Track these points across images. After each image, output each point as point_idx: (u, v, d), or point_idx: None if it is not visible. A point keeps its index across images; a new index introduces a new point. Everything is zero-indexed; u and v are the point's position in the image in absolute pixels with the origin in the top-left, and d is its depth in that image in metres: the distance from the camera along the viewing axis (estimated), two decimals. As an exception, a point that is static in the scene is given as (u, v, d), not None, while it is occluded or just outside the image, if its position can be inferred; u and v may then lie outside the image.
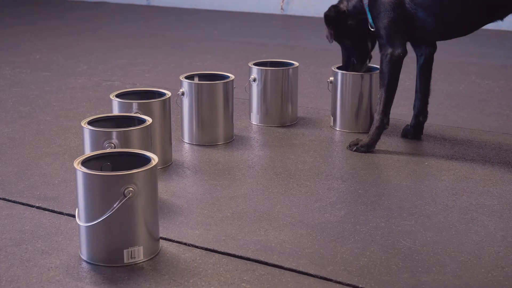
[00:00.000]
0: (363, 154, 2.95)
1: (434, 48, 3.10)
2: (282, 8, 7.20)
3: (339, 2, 3.14)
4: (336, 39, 3.18)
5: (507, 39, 5.70)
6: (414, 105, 3.15)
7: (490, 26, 3.17)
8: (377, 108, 2.97)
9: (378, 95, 2.99)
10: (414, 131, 3.17)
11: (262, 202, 2.46)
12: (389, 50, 2.91)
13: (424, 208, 2.41)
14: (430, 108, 3.27)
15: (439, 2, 2.83)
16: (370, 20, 2.99)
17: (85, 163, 2.05)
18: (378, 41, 3.00)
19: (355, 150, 2.97)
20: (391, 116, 3.49)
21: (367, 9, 2.97)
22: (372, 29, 3.01)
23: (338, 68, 3.31)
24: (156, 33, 6.07)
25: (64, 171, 2.75)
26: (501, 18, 2.84)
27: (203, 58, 4.89)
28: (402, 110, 3.62)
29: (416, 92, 3.15)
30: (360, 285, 1.90)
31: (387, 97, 2.96)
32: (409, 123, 3.21)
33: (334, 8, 3.11)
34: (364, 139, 2.99)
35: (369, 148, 2.97)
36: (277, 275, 1.96)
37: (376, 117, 2.97)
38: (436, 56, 3.14)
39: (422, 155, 2.94)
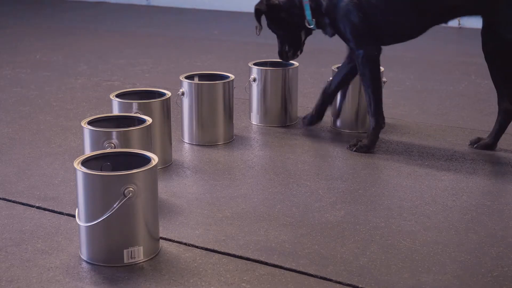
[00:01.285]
0: (363, 154, 2.96)
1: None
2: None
3: None
4: (270, 28, 3.16)
5: (507, 39, 5.69)
6: (325, 89, 3.23)
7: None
8: (369, 110, 2.98)
9: (366, 98, 2.98)
10: (317, 115, 3.26)
11: (262, 202, 2.46)
12: (362, 52, 2.90)
13: (424, 208, 2.41)
14: (430, 108, 3.28)
15: (393, 7, 2.85)
16: (308, 17, 2.99)
17: (85, 163, 2.05)
18: (348, 45, 2.99)
19: (355, 151, 2.97)
20: (390, 116, 3.49)
21: (306, 6, 2.97)
22: (309, 27, 3.02)
23: (337, 68, 3.31)
24: (156, 33, 6.07)
25: (64, 171, 2.75)
26: (446, 22, 2.93)
27: (203, 58, 4.89)
28: (402, 110, 3.62)
29: (333, 82, 3.19)
30: (360, 285, 1.90)
31: (375, 98, 2.96)
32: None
33: (266, 1, 3.08)
34: (364, 140, 2.99)
35: (369, 149, 2.97)
36: (277, 275, 1.96)
37: (371, 118, 2.98)
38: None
39: (422, 155, 2.94)
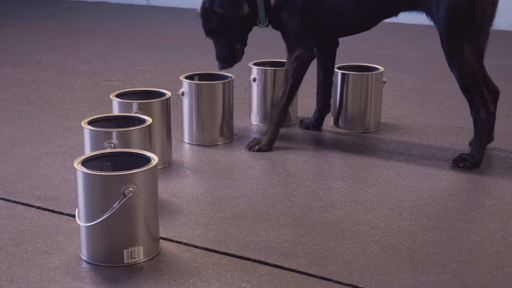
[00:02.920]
0: (363, 154, 2.95)
1: (337, 44, 3.21)
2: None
3: None
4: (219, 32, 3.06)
5: (507, 39, 5.71)
6: (318, 100, 3.25)
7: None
8: (277, 105, 3.00)
9: (281, 92, 3.00)
10: (317, 124, 3.29)
11: (262, 202, 2.46)
12: (299, 52, 2.94)
13: (424, 208, 2.41)
14: (430, 108, 3.28)
15: (343, 1, 2.92)
16: (261, 15, 2.98)
17: (85, 163, 2.05)
18: (286, 42, 3.00)
19: (257, 150, 2.97)
20: (390, 116, 3.49)
21: (260, 6, 2.96)
22: (261, 25, 3.02)
23: (337, 68, 3.31)
24: (156, 33, 6.07)
25: (64, 171, 2.75)
26: (396, 14, 2.97)
27: (203, 58, 4.89)
28: (402, 110, 3.62)
29: (318, 86, 3.25)
30: (360, 285, 1.90)
31: (290, 96, 3.00)
32: (309, 117, 3.35)
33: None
34: (264, 137, 3.01)
35: (270, 145, 2.99)
36: (277, 275, 1.96)
37: (275, 113, 3.00)
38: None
39: (422, 155, 2.94)
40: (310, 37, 2.98)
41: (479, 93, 2.75)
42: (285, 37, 3.01)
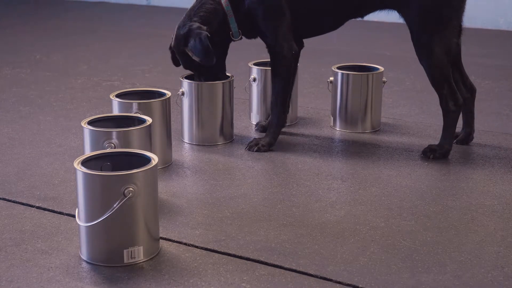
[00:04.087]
0: (363, 154, 2.95)
1: (302, 45, 3.19)
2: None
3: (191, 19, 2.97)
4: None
5: (507, 39, 5.70)
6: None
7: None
8: (274, 107, 3.00)
9: (274, 94, 2.99)
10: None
11: (262, 202, 2.46)
12: (282, 51, 2.93)
13: (424, 208, 2.41)
14: (430, 108, 3.27)
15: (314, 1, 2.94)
16: (234, 29, 2.97)
17: (85, 163, 2.05)
18: (268, 43, 2.98)
19: (256, 151, 2.97)
20: (391, 116, 3.49)
21: (231, 20, 2.94)
22: (234, 39, 3.01)
23: (337, 68, 3.31)
24: (156, 33, 6.07)
25: (64, 171, 2.75)
26: (362, 16, 3.01)
27: (203, 58, 4.89)
28: (402, 110, 3.62)
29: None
30: (360, 285, 1.90)
31: (284, 96, 3.00)
32: (265, 120, 3.29)
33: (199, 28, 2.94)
34: (264, 138, 3.00)
35: (270, 146, 2.99)
36: (277, 275, 1.96)
37: (274, 115, 3.00)
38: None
39: (422, 155, 2.93)
40: (291, 34, 2.96)
41: (448, 85, 2.84)
42: (266, 38, 2.98)
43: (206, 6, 2.96)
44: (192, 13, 2.97)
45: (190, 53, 2.92)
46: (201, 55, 2.89)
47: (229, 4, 2.94)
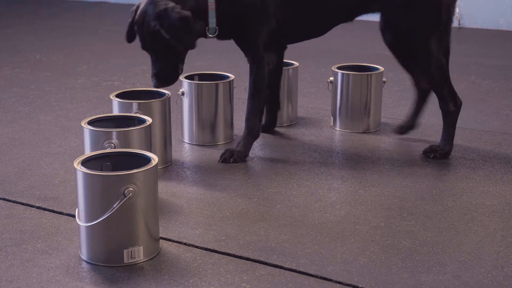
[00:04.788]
0: (363, 154, 2.95)
1: (283, 51, 3.12)
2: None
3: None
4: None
5: (507, 39, 5.70)
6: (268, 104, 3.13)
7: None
8: (251, 117, 2.89)
9: (250, 105, 2.89)
10: (269, 126, 3.24)
11: (262, 202, 2.46)
12: (265, 59, 2.83)
13: (424, 208, 2.41)
14: (430, 108, 3.27)
15: (304, 6, 2.86)
16: (212, 24, 2.75)
17: (85, 163, 2.05)
18: (250, 50, 2.84)
19: (232, 162, 2.84)
20: (391, 116, 3.49)
21: (211, 13, 2.73)
22: (211, 36, 2.78)
23: (337, 68, 3.31)
24: (156, 33, 6.06)
25: (64, 171, 2.75)
26: (351, 20, 2.97)
27: (203, 58, 4.89)
28: (402, 110, 3.62)
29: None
30: (360, 285, 1.90)
31: (262, 106, 2.92)
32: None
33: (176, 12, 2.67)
34: (239, 147, 2.88)
35: (245, 156, 2.89)
36: (277, 275, 1.96)
37: (250, 126, 2.89)
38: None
39: (422, 155, 2.93)
40: (275, 42, 2.88)
41: (447, 86, 2.85)
42: (248, 44, 2.85)
43: None
44: None
45: (164, 33, 2.61)
46: (181, 36, 2.63)
47: None
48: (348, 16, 2.95)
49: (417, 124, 3.15)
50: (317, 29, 3.00)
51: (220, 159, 2.87)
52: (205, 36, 2.79)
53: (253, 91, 2.88)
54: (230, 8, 2.77)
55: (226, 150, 2.90)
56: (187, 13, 2.62)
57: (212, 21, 2.75)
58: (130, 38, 2.80)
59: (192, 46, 2.71)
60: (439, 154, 2.88)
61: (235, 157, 2.85)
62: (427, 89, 3.05)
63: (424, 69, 2.83)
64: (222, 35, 2.85)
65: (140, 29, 2.69)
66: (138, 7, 2.72)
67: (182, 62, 2.77)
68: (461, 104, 2.89)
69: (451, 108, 2.86)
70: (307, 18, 2.91)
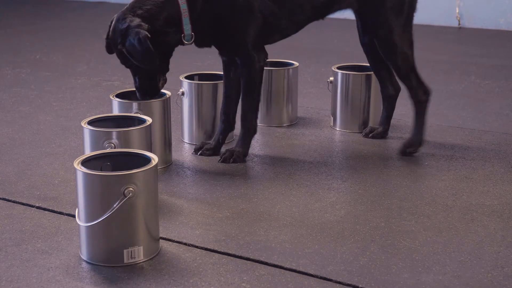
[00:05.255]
0: (363, 154, 2.95)
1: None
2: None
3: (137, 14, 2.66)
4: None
5: (507, 39, 5.70)
6: (225, 112, 2.93)
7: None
8: (247, 116, 2.84)
9: (246, 104, 2.82)
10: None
11: (262, 202, 2.46)
12: (255, 59, 2.78)
13: (424, 208, 2.41)
14: (431, 108, 3.26)
15: (285, 5, 2.82)
16: (187, 31, 2.67)
17: (85, 163, 2.05)
18: (239, 51, 2.78)
19: (232, 162, 2.83)
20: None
21: (185, 20, 2.65)
22: (187, 43, 2.70)
23: (337, 68, 3.31)
24: (156, 33, 6.06)
25: (64, 171, 2.75)
26: (322, 17, 2.97)
27: (203, 58, 4.89)
28: (402, 110, 3.62)
29: (228, 100, 2.93)
30: (360, 285, 1.90)
31: (257, 106, 2.86)
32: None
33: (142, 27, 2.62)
34: (238, 148, 2.86)
35: (245, 156, 2.87)
36: (277, 275, 1.96)
37: (248, 125, 2.84)
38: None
39: (422, 155, 2.94)
40: (262, 41, 2.83)
41: (415, 76, 2.91)
42: (236, 45, 2.78)
43: None
44: (137, 4, 2.67)
45: (127, 54, 2.63)
46: (140, 57, 2.58)
47: (186, 2, 2.64)
48: (322, 12, 2.93)
49: (387, 132, 3.18)
50: (293, 26, 2.92)
51: (220, 159, 2.87)
52: (182, 43, 2.71)
53: (247, 91, 2.83)
54: (208, 12, 2.69)
55: (226, 150, 2.89)
56: (144, 33, 2.54)
57: (187, 27, 2.67)
58: (109, 51, 2.85)
59: (153, 66, 2.62)
60: (414, 148, 2.92)
61: (235, 157, 2.85)
62: (394, 96, 3.14)
63: (391, 62, 2.90)
64: (201, 42, 2.78)
65: (113, 46, 2.72)
66: (112, 20, 2.74)
67: (164, 72, 2.76)
68: (430, 92, 2.95)
69: (421, 97, 2.92)
70: (286, 14, 2.84)
